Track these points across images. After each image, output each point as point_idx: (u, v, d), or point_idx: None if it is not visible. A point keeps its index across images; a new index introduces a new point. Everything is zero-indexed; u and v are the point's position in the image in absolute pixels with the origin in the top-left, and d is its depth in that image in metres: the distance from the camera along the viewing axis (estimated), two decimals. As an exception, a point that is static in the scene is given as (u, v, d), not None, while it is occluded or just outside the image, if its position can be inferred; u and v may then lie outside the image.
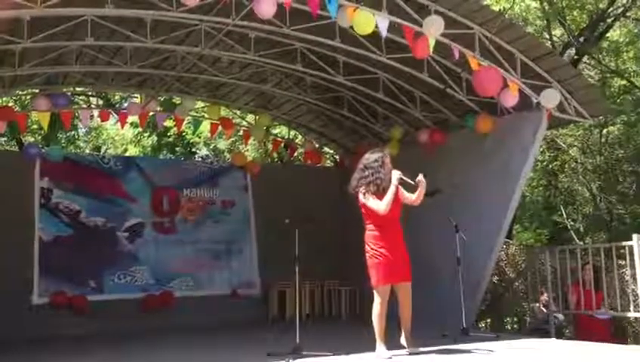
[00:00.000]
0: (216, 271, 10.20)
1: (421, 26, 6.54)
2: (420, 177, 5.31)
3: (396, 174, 5.28)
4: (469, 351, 5.53)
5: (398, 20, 6.55)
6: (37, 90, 9.51)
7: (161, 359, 5.98)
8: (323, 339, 6.41)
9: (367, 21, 6.29)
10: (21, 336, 7.82)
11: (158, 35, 7.57)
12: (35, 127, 15.68)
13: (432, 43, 6.57)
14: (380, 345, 5.25)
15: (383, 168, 5.29)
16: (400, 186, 5.31)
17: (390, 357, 5.16)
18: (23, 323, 8.21)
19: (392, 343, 5.32)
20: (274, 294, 9.93)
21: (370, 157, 5.40)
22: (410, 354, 5.34)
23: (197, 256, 10.11)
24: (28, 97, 11.36)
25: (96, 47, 7.93)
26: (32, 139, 16.29)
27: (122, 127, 10.74)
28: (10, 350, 6.97)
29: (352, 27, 6.48)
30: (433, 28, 6.45)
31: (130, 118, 10.79)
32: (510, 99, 7.32)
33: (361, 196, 5.30)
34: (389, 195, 5.19)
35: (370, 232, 5.33)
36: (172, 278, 9.80)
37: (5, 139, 16.53)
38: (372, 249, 5.29)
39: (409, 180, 5.31)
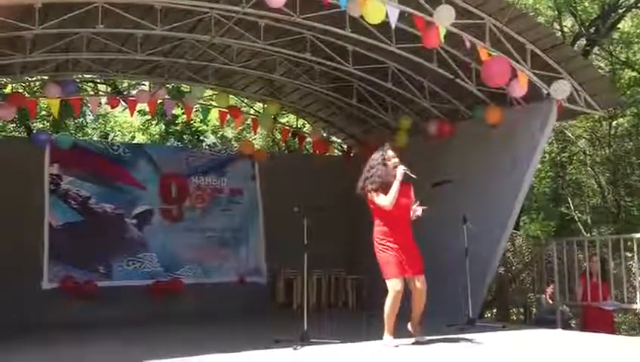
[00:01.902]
0: (224, 258, 10.24)
1: (432, 15, 6.52)
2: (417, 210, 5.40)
3: (400, 170, 5.36)
4: (474, 341, 5.56)
5: (409, 10, 6.53)
6: (46, 77, 9.55)
7: (168, 345, 6.04)
8: (330, 327, 6.46)
9: (378, 11, 6.26)
10: (30, 321, 7.90)
11: (168, 23, 7.57)
12: (43, 113, 15.75)
13: (442, 33, 6.54)
14: (388, 336, 5.29)
15: (385, 165, 5.39)
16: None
17: (397, 346, 5.20)
18: (32, 309, 8.28)
19: (398, 333, 5.35)
20: (281, 282, 9.99)
21: (374, 156, 5.53)
22: (415, 342, 5.38)
23: (205, 243, 10.16)
24: (37, 84, 11.44)
25: (107, 34, 7.94)
26: (41, 126, 16.38)
27: (132, 114, 10.77)
28: (20, 334, 7.06)
29: (362, 16, 6.47)
30: (444, 17, 6.42)
31: (139, 106, 10.83)
32: (518, 89, 7.29)
33: (369, 194, 5.39)
34: (393, 190, 5.28)
35: (379, 228, 5.37)
36: (180, 265, 9.85)
37: (14, 125, 16.62)
38: (381, 243, 5.33)
39: (413, 175, 5.38)
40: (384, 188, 5.30)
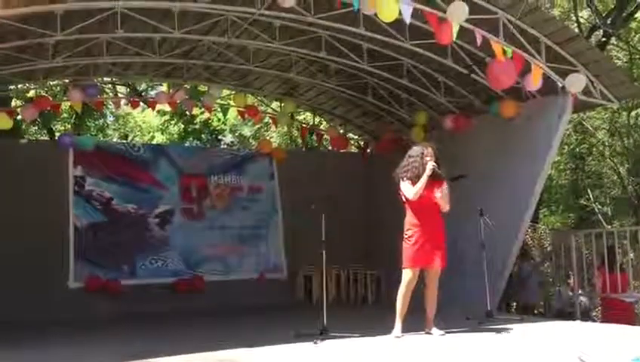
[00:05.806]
0: (244, 255, 10.41)
1: (445, 12, 6.56)
2: (443, 188, 5.56)
3: (429, 165, 5.54)
4: (489, 333, 5.62)
5: (422, 7, 6.57)
6: (67, 81, 9.77)
7: (191, 339, 6.18)
8: (349, 322, 6.55)
9: (391, 8, 6.32)
10: (58, 319, 8.10)
11: (185, 26, 7.71)
12: (65, 115, 16.05)
13: (455, 29, 6.58)
14: (397, 324, 5.50)
15: (422, 159, 5.61)
16: (444, 187, 5.59)
17: (399, 337, 5.40)
18: (59, 307, 8.49)
19: (415, 326, 5.44)
20: (300, 278, 10.11)
21: (415, 148, 5.80)
22: (427, 333, 5.55)
23: (225, 241, 10.33)
24: (57, 88, 11.69)
25: (126, 38, 8.11)
26: (62, 128, 16.70)
27: (153, 109, 11.06)
28: (47, 331, 7.27)
29: (376, 14, 6.53)
30: (457, 15, 6.46)
31: (159, 106, 11.06)
32: (533, 83, 7.30)
33: (400, 182, 5.65)
34: (420, 183, 5.52)
35: (408, 218, 5.64)
36: (201, 263, 10.05)
37: (36, 128, 16.96)
38: (405, 233, 5.60)
39: (440, 172, 5.59)
40: (415, 179, 5.55)
